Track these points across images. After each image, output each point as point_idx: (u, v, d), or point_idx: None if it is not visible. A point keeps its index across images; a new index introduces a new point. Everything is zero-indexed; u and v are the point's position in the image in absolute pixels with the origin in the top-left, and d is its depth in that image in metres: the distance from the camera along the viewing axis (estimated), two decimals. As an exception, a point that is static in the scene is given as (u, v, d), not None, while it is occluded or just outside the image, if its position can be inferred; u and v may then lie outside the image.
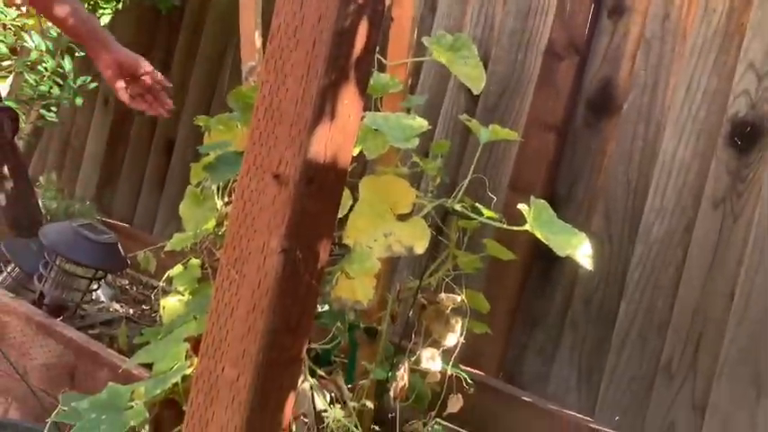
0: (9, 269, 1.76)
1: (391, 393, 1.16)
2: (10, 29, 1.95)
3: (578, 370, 1.56)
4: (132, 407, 0.98)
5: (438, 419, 1.19)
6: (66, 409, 1.00)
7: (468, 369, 1.37)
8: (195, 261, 1.35)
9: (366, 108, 0.94)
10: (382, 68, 1.22)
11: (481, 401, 1.32)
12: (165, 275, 1.36)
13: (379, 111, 1.18)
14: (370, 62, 0.81)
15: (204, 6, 2.57)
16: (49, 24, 2.02)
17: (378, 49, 0.97)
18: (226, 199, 1.32)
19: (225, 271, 0.80)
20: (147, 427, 0.98)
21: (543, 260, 1.60)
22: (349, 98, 0.77)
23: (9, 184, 1.74)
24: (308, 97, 0.75)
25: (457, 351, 1.20)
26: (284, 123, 0.76)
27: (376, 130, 1.00)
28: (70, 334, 1.38)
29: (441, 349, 1.18)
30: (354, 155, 1.00)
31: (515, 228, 0.99)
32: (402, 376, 1.14)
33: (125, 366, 1.21)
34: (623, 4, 1.61)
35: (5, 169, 1.73)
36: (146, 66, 1.48)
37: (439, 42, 1.11)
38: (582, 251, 0.96)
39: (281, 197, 0.77)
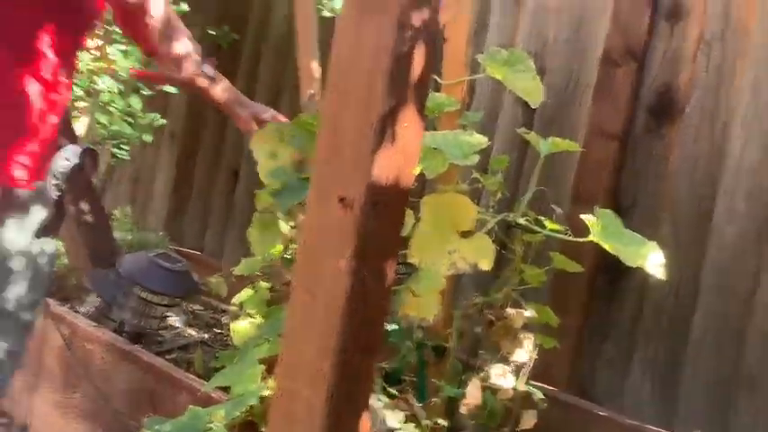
0: (91, 299, 1.85)
1: (463, 411, 1.16)
2: (83, 73, 2.06)
3: (652, 382, 1.52)
4: (212, 429, 1.01)
5: (511, 436, 1.18)
6: (150, 432, 1.04)
7: (540, 384, 1.36)
8: (264, 284, 1.40)
9: (426, 129, 0.96)
10: (438, 88, 1.23)
11: (555, 417, 1.30)
12: (235, 299, 1.41)
13: (436, 130, 1.19)
14: (427, 84, 0.83)
15: (262, 37, 2.66)
16: (120, 67, 2.13)
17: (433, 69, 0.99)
18: (291, 223, 1.36)
19: (296, 294, 0.83)
20: (227, 448, 1.01)
21: (610, 271, 1.58)
22: (409, 120, 0.79)
23: (89, 219, 1.83)
24: (369, 123, 0.77)
25: (528, 367, 1.19)
26: (347, 149, 0.79)
27: (435, 149, 1.02)
28: (150, 360, 1.44)
29: (511, 365, 1.18)
30: (415, 174, 1.02)
31: (581, 239, 0.98)
32: (474, 393, 1.14)
33: (204, 390, 1.25)
34: (681, 6, 1.59)
35: (86, 206, 1.82)
36: (274, 114, 1.55)
37: (493, 58, 1.12)
38: (653, 261, 0.94)
39: (346, 220, 0.79)
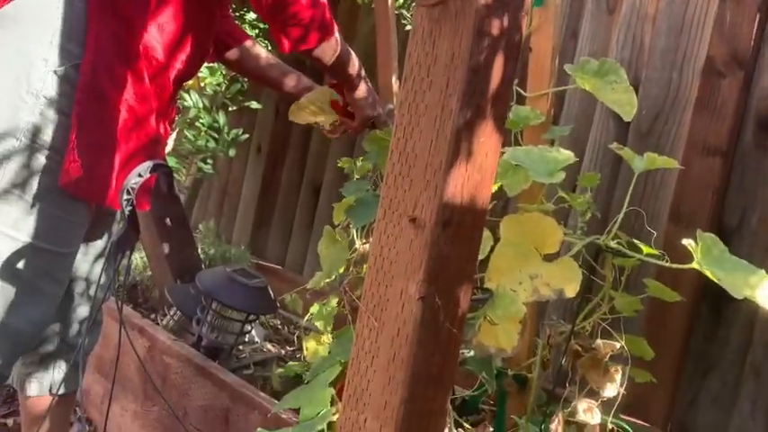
0: (172, 312, 1.88)
1: (545, 447, 1.08)
2: (172, 90, 2.12)
3: (765, 422, 1.37)
4: (280, 453, 0.98)
5: (599, 477, 1.09)
6: (219, 452, 1.02)
7: (632, 420, 1.25)
8: (333, 300, 1.36)
9: (506, 143, 0.90)
10: (522, 101, 1.16)
11: (648, 458, 1.19)
12: (308, 314, 1.38)
13: (519, 145, 1.12)
14: (507, 96, 0.76)
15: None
16: (206, 83, 2.18)
17: (516, 80, 0.93)
18: (363, 240, 1.32)
19: (364, 318, 0.78)
20: (294, 474, 0.97)
21: (713, 299, 1.44)
22: (486, 135, 0.73)
23: (171, 233, 1.87)
24: (443, 138, 0.71)
25: (618, 402, 1.09)
26: (419, 166, 0.73)
27: (517, 165, 0.95)
28: (225, 377, 1.43)
29: (599, 400, 1.08)
30: (494, 191, 0.95)
31: (680, 266, 0.88)
32: (556, 429, 1.06)
33: (274, 410, 1.23)
34: (795, 8, 1.44)
35: (168, 220, 1.86)
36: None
37: (583, 69, 1.04)
38: (763, 291, 0.83)
39: (417, 241, 0.74)
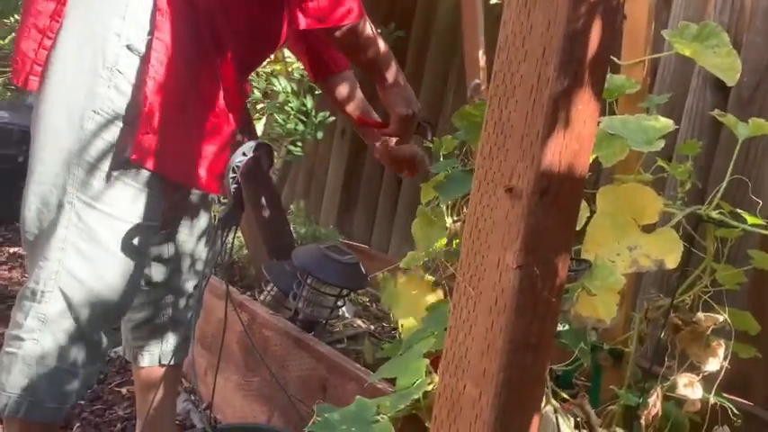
0: (269, 288, 1.96)
1: (642, 422, 1.06)
2: (261, 75, 2.19)
3: None
4: (378, 420, 1.02)
5: (700, 453, 1.06)
6: (320, 419, 1.06)
7: (735, 398, 1.21)
8: (428, 278, 1.38)
9: (601, 113, 0.88)
10: (616, 69, 1.14)
11: (753, 436, 1.15)
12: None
13: (615, 114, 1.10)
14: (605, 63, 0.75)
15: (427, 33, 2.66)
16: (294, 68, 2.24)
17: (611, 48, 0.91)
18: (455, 217, 1.33)
19: (461, 288, 0.80)
20: (393, 441, 1.00)
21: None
22: (584, 103, 0.73)
23: (266, 213, 1.94)
24: (539, 106, 0.72)
25: (720, 377, 1.06)
26: (515, 136, 0.74)
27: (613, 134, 0.93)
28: (322, 349, 1.49)
29: (700, 375, 1.06)
30: (589, 163, 0.94)
31: (789, 235, 0.85)
32: (654, 403, 1.04)
33: (370, 381, 1.27)
34: None
35: (263, 199, 1.93)
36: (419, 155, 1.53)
37: (681, 34, 1.01)
38: None
39: (514, 211, 0.74)
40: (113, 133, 1.18)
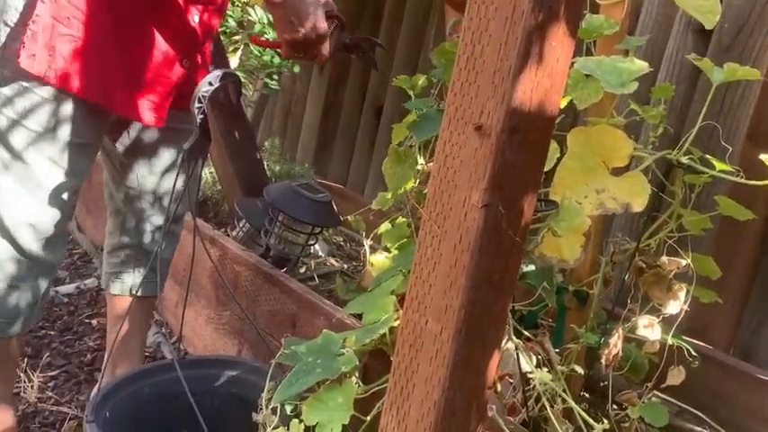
0: (241, 224, 1.95)
1: (603, 361, 1.09)
2: (237, 5, 2.12)
3: (833, 351, 1.34)
4: (344, 353, 1.03)
5: (655, 392, 1.10)
6: (287, 352, 1.08)
7: (693, 341, 1.24)
8: (402, 219, 1.38)
9: (577, 54, 0.87)
10: (595, 9, 1.11)
11: (707, 377, 1.19)
12: (373, 234, 1.41)
13: (591, 56, 1.08)
14: (581, 0, 0.73)
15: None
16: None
17: (590, -14, 0.89)
18: (428, 157, 1.32)
19: (427, 226, 0.79)
20: (357, 373, 1.02)
21: (789, 221, 1.39)
22: (557, 39, 0.71)
23: (239, 148, 1.91)
24: (512, 41, 0.70)
25: (679, 320, 1.09)
26: (486, 71, 0.72)
27: (588, 75, 0.92)
28: (292, 285, 1.49)
29: (660, 317, 1.08)
30: (563, 106, 0.93)
31: (756, 182, 0.85)
32: (615, 343, 1.06)
33: (339, 316, 1.28)
34: None
35: (236, 134, 1.90)
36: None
37: (663, -27, 0.98)
38: None
39: (482, 150, 0.73)
40: (4, 35, 1.11)
